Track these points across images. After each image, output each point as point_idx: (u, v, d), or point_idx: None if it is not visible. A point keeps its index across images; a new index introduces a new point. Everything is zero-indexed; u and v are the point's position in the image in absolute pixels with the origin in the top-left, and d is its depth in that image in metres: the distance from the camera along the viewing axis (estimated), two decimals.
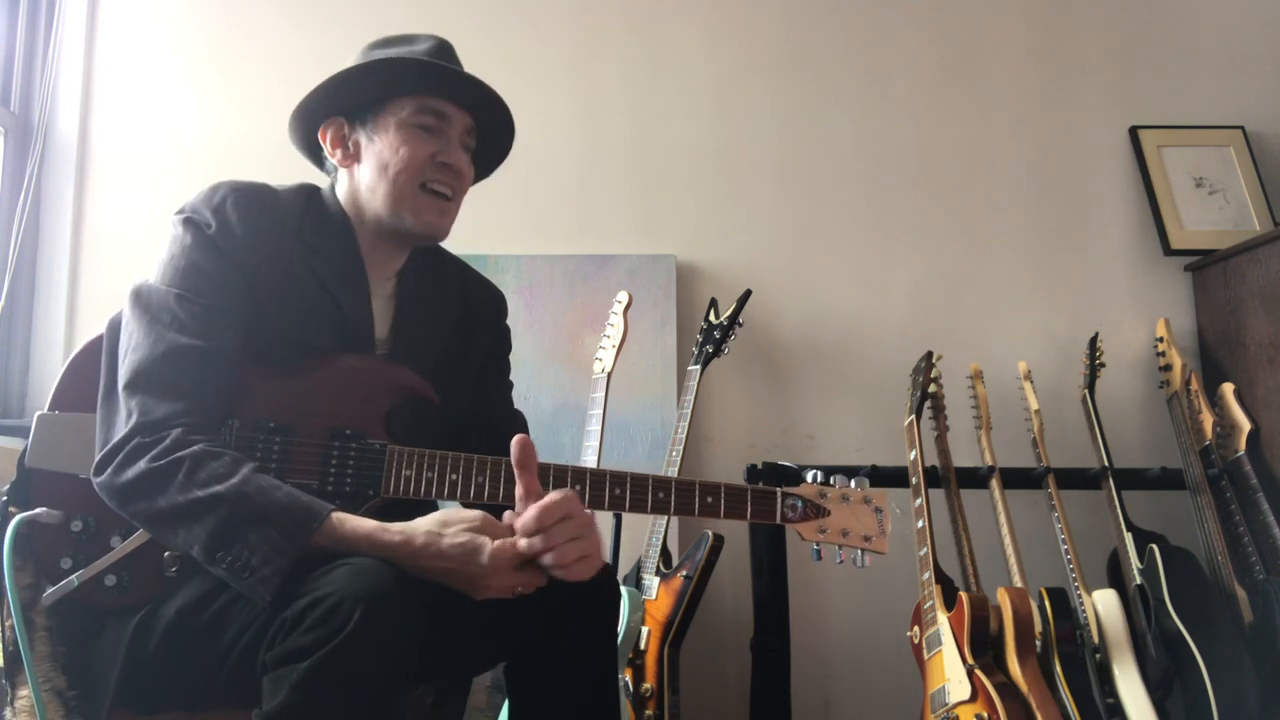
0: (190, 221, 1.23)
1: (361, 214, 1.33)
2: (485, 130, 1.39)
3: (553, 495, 1.10)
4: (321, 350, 1.25)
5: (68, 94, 2.56)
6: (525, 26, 2.64)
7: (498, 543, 1.07)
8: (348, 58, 1.37)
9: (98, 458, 1.13)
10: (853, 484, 1.36)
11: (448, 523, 1.09)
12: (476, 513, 1.11)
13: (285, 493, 1.09)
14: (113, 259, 2.49)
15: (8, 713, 1.09)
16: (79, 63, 2.57)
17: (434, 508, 1.38)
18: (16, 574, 1.13)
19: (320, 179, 1.41)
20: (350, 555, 1.05)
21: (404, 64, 1.30)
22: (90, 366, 1.23)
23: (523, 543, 1.08)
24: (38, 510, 1.15)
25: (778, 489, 1.32)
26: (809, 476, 1.36)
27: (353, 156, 1.33)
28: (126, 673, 1.12)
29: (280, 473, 1.17)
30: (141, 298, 1.20)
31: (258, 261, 1.23)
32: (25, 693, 1.09)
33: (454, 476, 1.23)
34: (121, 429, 1.12)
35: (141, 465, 1.08)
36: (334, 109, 1.33)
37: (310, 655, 0.95)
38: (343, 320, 1.28)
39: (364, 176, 1.32)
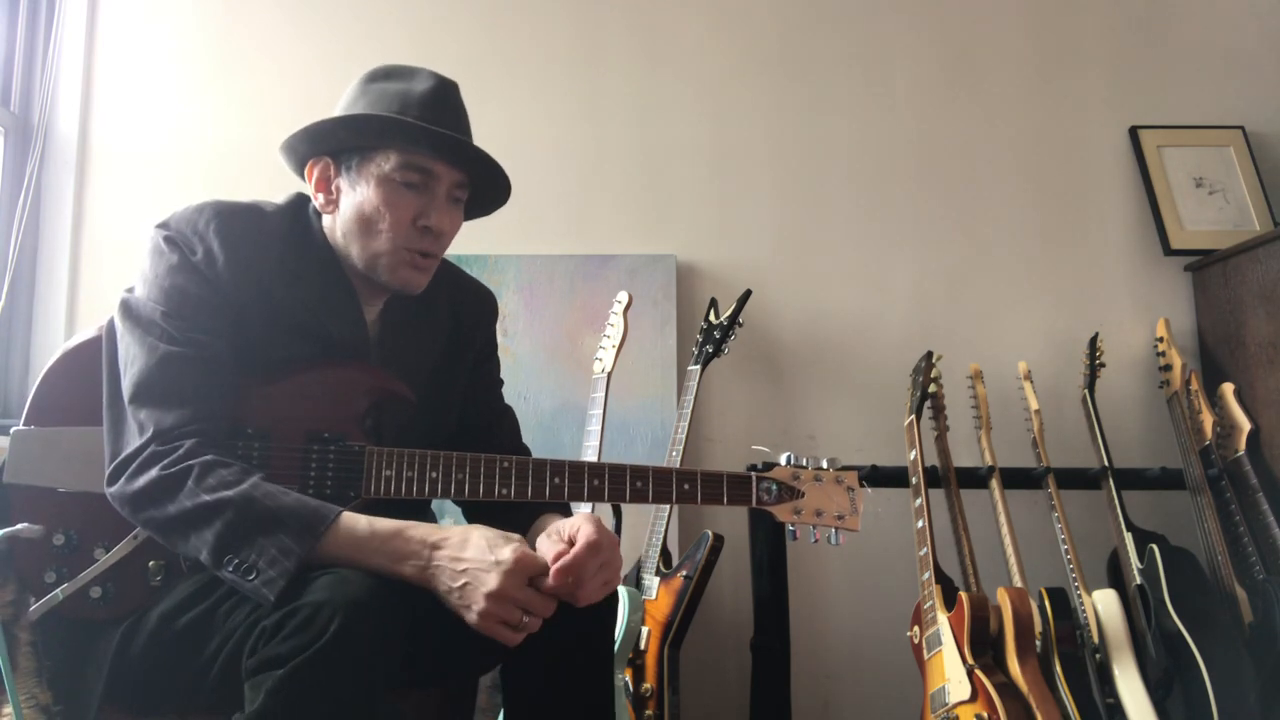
0: (173, 242, 1.21)
1: (343, 251, 1.30)
2: (478, 181, 1.32)
3: (590, 534, 1.13)
4: (297, 361, 1.25)
5: (68, 94, 2.55)
6: (525, 26, 2.64)
7: (525, 551, 1.09)
8: (350, 76, 1.32)
9: (110, 468, 1.14)
10: (825, 464, 1.38)
11: (486, 532, 1.10)
12: (518, 536, 1.12)
13: (294, 498, 1.09)
14: (113, 259, 2.49)
15: None
16: (79, 63, 2.57)
17: (421, 508, 1.39)
18: None
19: None
20: (364, 558, 1.07)
21: (389, 122, 1.23)
22: (65, 380, 1.25)
23: (552, 581, 1.09)
24: (18, 526, 1.15)
25: (752, 473, 1.34)
26: (782, 459, 1.38)
27: (334, 202, 1.28)
28: (112, 681, 1.13)
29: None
30: (131, 311, 1.20)
31: (240, 286, 1.22)
32: (8, 710, 1.10)
33: (434, 474, 1.23)
34: (135, 440, 1.13)
35: (153, 473, 1.10)
36: (319, 149, 1.28)
37: (287, 663, 0.95)
38: (329, 342, 1.27)
39: (342, 223, 1.28)
